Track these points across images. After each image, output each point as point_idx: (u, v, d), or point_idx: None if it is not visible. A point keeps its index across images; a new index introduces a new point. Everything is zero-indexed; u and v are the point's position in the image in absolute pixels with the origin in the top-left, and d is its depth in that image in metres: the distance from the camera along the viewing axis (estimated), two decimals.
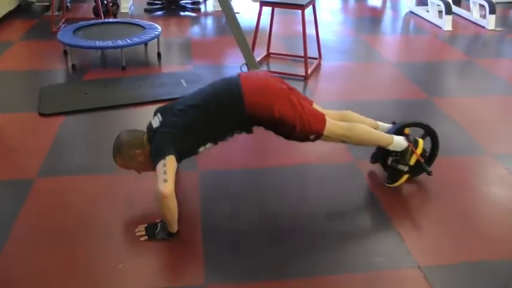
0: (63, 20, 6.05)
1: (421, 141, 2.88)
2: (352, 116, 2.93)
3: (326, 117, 2.68)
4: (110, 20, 5.67)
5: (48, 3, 6.49)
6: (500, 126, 3.70)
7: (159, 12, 6.81)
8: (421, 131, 2.97)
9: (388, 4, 7.64)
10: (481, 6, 6.40)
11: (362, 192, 2.93)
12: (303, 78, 4.50)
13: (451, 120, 3.74)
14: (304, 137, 2.68)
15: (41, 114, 3.77)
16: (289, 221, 2.68)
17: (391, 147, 2.83)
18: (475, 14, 6.46)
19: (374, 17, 6.93)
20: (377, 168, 3.09)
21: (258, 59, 4.66)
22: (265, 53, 5.02)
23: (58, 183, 2.97)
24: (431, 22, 6.42)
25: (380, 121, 2.99)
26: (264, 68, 4.78)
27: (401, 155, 2.84)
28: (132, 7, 6.89)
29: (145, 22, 5.29)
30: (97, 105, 3.88)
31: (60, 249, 2.43)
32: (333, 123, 2.70)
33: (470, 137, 3.51)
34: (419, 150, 2.85)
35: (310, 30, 4.68)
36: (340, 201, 2.86)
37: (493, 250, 2.46)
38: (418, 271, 2.31)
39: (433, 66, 4.98)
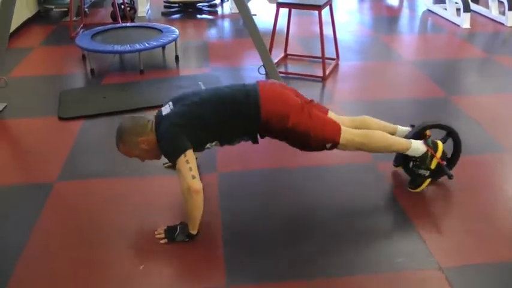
0: (82, 25, 6.11)
1: (440, 144, 2.83)
2: (370, 122, 2.90)
3: (341, 126, 2.67)
4: (128, 24, 5.71)
5: (66, 9, 6.56)
6: None
7: (176, 16, 6.85)
8: (443, 132, 2.93)
9: (405, 3, 7.59)
10: (500, 2, 6.33)
11: (381, 192, 2.91)
12: (320, 79, 4.49)
13: (470, 119, 3.70)
14: (320, 147, 2.67)
15: (61, 118, 3.81)
16: (309, 221, 2.67)
17: (409, 153, 2.79)
18: (493, 11, 6.39)
19: (391, 16, 6.89)
20: (396, 168, 3.07)
21: (275, 60, 4.66)
22: (282, 55, 5.01)
23: (78, 187, 3.00)
24: (449, 20, 6.36)
25: (399, 123, 2.96)
26: (282, 68, 4.78)
27: (421, 160, 2.79)
28: (149, 11, 6.94)
29: (162, 25, 5.32)
30: (116, 109, 3.91)
31: (79, 252, 2.45)
32: (349, 131, 2.69)
33: (490, 135, 3.47)
34: (439, 154, 2.79)
35: (328, 30, 4.67)
36: (359, 202, 2.84)
37: None
38: (440, 272, 2.29)
39: (451, 65, 4.94)
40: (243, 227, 2.62)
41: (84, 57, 5.01)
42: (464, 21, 6.05)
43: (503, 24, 6.15)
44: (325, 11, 4.52)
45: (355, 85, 4.48)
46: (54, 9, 6.77)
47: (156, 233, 2.54)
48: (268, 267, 2.35)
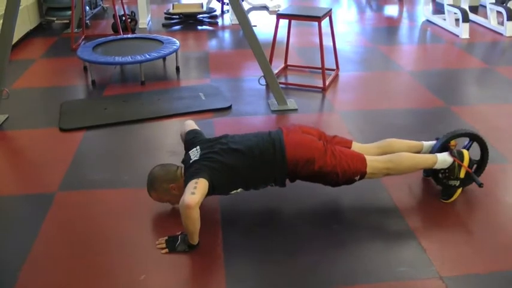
0: (83, 37, 6.14)
1: (466, 152, 2.85)
2: (394, 145, 2.95)
3: (366, 156, 2.72)
4: (129, 35, 5.74)
5: (68, 21, 6.60)
6: None
7: (177, 27, 6.89)
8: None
9: (405, 13, 7.63)
10: (499, 13, 6.37)
11: (383, 201, 2.91)
12: (321, 89, 4.51)
13: (469, 129, 3.70)
14: (349, 181, 2.73)
15: (62, 130, 3.82)
16: (310, 230, 2.67)
17: (437, 167, 2.82)
18: (492, 21, 6.43)
19: (391, 27, 6.93)
20: (398, 177, 3.07)
21: (275, 71, 4.68)
22: (283, 65, 5.04)
23: (79, 197, 3.01)
24: (448, 30, 6.39)
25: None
26: (282, 79, 4.80)
27: (450, 171, 2.82)
28: (150, 22, 6.98)
29: (163, 37, 5.35)
30: (117, 120, 3.92)
31: (81, 262, 2.46)
32: (374, 159, 2.75)
33: (491, 145, 3.46)
34: (466, 162, 2.82)
35: (327, 41, 4.70)
36: (361, 211, 2.85)
37: None
38: (440, 282, 2.29)
39: (451, 75, 4.96)
40: (244, 237, 2.62)
41: (85, 68, 5.04)
42: (463, 31, 6.09)
43: (502, 34, 6.19)
44: (325, 22, 4.55)
45: (355, 95, 4.50)
46: (56, 21, 6.81)
47: (157, 242, 2.55)
48: (268, 276, 2.36)
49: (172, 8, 7.10)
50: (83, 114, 4.09)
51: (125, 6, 6.26)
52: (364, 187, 2.92)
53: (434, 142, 2.95)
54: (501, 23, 6.30)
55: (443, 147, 2.87)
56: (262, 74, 4.27)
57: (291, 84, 4.69)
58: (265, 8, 7.83)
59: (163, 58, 5.12)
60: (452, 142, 2.88)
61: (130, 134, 3.78)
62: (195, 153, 2.66)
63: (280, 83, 4.54)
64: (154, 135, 3.76)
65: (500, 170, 3.22)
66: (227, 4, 7.34)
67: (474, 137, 2.94)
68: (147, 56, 4.72)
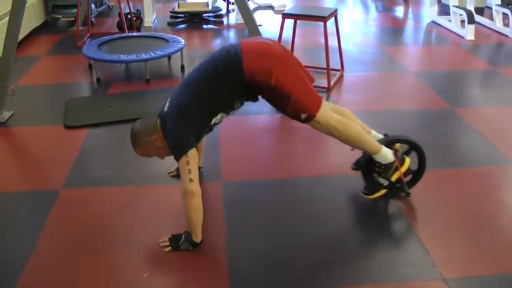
0: (88, 35, 6.15)
1: (408, 160, 2.81)
2: (348, 114, 2.85)
3: (323, 102, 2.61)
4: (134, 34, 5.75)
5: (73, 19, 6.61)
6: None
7: (182, 26, 6.89)
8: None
9: (410, 14, 7.62)
10: (504, 14, 6.35)
11: (386, 203, 2.91)
12: (325, 90, 4.51)
13: (474, 131, 3.71)
14: (295, 114, 2.59)
15: (67, 127, 3.83)
16: (314, 231, 2.68)
17: (377, 157, 2.75)
18: (498, 23, 6.41)
19: (396, 28, 6.92)
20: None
21: None
22: None
23: (83, 194, 3.01)
24: (453, 32, 6.38)
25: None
26: None
27: (385, 169, 2.76)
28: (155, 21, 6.98)
29: (168, 35, 5.35)
30: (121, 118, 3.93)
31: (85, 259, 2.47)
32: (329, 112, 2.63)
33: (495, 147, 3.47)
34: (403, 169, 2.78)
35: (332, 41, 4.70)
36: (363, 212, 2.85)
37: None
38: (443, 283, 2.29)
39: (456, 76, 4.95)
40: (247, 236, 2.63)
41: (90, 66, 5.04)
42: (469, 32, 6.07)
43: (507, 36, 6.17)
44: (330, 22, 4.55)
45: (359, 96, 4.50)
46: (61, 19, 6.83)
47: (160, 241, 2.55)
48: (272, 278, 2.36)
49: (178, 7, 7.10)
50: (88, 111, 4.10)
51: (131, 5, 6.26)
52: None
53: (381, 136, 2.88)
54: (507, 25, 6.29)
55: (387, 145, 2.79)
56: None
57: None
58: (270, 7, 7.82)
59: (169, 57, 5.12)
60: (397, 145, 2.83)
61: None
62: (166, 105, 2.63)
63: None
64: None
65: (503, 172, 3.21)
66: (232, 3, 7.34)
67: (415, 148, 2.87)
68: (152, 54, 4.72)
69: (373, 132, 2.90)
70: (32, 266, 2.42)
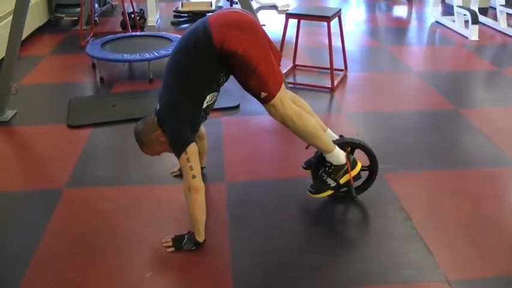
0: (91, 34, 6.16)
1: (359, 164, 2.77)
2: (306, 107, 2.79)
3: (284, 86, 2.55)
4: (137, 33, 5.75)
5: (76, 18, 6.61)
6: None
7: (186, 25, 6.88)
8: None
9: (414, 14, 7.61)
10: (509, 15, 6.34)
11: (389, 204, 2.90)
12: (329, 90, 4.50)
13: (478, 131, 3.70)
14: (257, 91, 2.49)
15: (70, 126, 3.83)
16: (317, 231, 2.67)
17: (329, 156, 2.72)
18: (502, 24, 6.40)
19: (400, 28, 6.91)
20: (404, 180, 3.07)
21: (284, 71, 4.68)
22: (291, 65, 5.03)
23: (86, 193, 3.01)
24: (457, 32, 6.37)
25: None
26: (290, 79, 4.79)
27: (335, 170, 2.72)
28: (158, 20, 6.98)
29: (172, 35, 5.35)
30: (125, 117, 3.93)
31: (88, 258, 2.46)
32: (288, 100, 2.57)
33: (499, 148, 3.46)
34: (354, 173, 2.74)
35: (336, 41, 4.69)
36: (366, 213, 2.85)
37: None
38: (447, 285, 2.28)
39: (459, 77, 4.94)
40: (251, 237, 2.62)
41: (93, 65, 5.05)
42: (473, 33, 6.06)
43: (511, 36, 6.15)
44: (334, 22, 4.54)
45: (363, 96, 4.49)
46: (65, 18, 6.83)
47: (163, 241, 2.55)
48: (276, 278, 2.35)
49: (181, 6, 7.10)
50: (91, 111, 4.10)
51: (134, 4, 6.26)
52: (371, 188, 2.91)
53: (336, 137, 2.84)
54: (511, 25, 6.27)
55: (340, 146, 2.75)
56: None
57: (299, 84, 4.69)
58: (274, 7, 7.81)
59: None
60: (350, 149, 2.81)
61: None
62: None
63: (289, 83, 4.54)
64: None
65: (508, 173, 3.20)
66: (236, 3, 7.34)
67: (371, 157, 2.84)
68: (156, 54, 4.72)
69: (329, 131, 2.86)
70: (36, 265, 2.41)
